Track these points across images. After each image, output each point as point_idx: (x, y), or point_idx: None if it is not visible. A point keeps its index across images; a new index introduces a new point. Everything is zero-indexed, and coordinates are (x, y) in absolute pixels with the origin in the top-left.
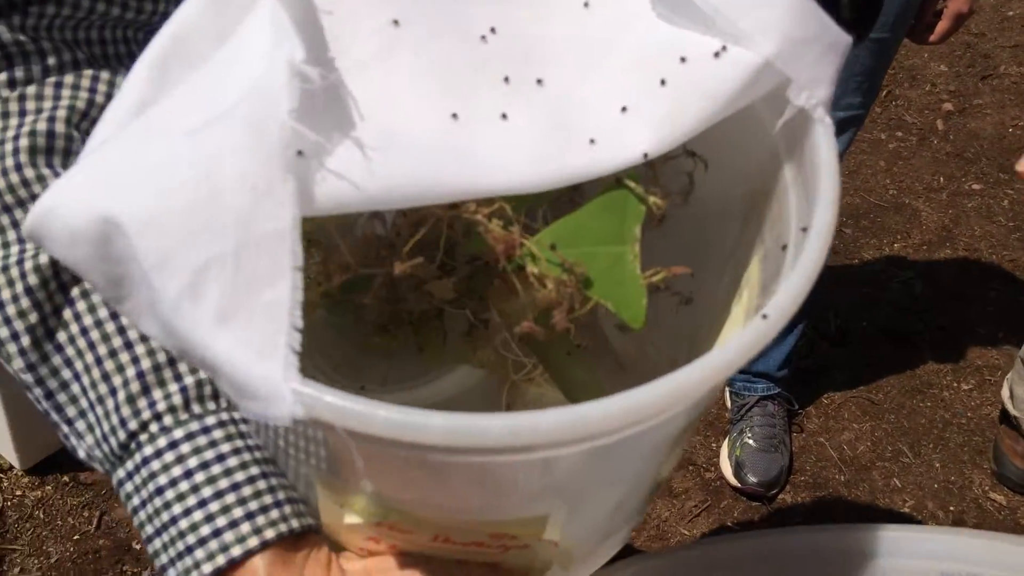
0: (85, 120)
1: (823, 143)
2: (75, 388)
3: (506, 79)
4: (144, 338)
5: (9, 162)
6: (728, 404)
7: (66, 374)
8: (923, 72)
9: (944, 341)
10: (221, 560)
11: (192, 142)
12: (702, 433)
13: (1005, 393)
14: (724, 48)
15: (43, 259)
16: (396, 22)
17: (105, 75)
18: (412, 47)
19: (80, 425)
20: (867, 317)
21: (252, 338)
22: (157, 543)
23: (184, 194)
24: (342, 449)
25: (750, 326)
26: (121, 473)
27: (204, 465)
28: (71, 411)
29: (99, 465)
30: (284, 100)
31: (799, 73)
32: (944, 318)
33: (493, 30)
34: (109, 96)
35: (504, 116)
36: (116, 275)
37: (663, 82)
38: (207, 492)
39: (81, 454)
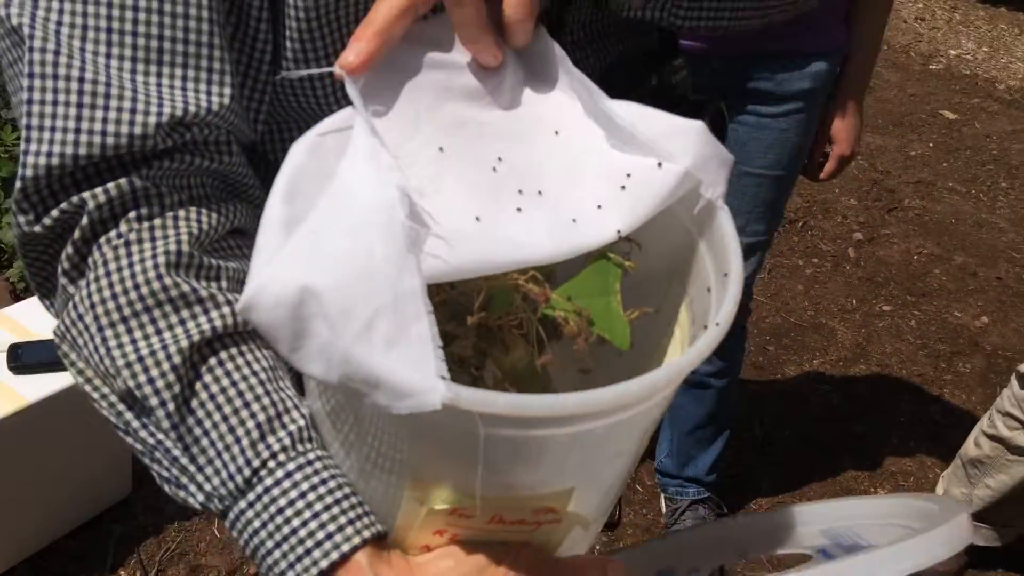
0: (198, 243)
1: (726, 220)
2: (205, 441)
3: (520, 191)
4: (257, 398)
5: (151, 274)
6: (663, 508)
7: (198, 431)
8: (835, 205)
9: (861, 449)
10: (335, 555)
11: (351, 238)
12: (639, 537)
13: (940, 491)
14: (660, 164)
15: (183, 343)
16: (441, 149)
17: (204, 210)
18: (454, 173)
19: (208, 470)
20: (789, 427)
21: (411, 357)
22: (277, 553)
23: (354, 269)
24: (462, 434)
25: (708, 333)
26: (242, 504)
27: (313, 487)
28: (202, 460)
29: (218, 503)
30: (400, 210)
31: (707, 177)
32: (860, 428)
33: (500, 159)
34: (211, 223)
35: (519, 210)
36: (299, 330)
37: (623, 188)
38: (318, 507)
39: (200, 498)
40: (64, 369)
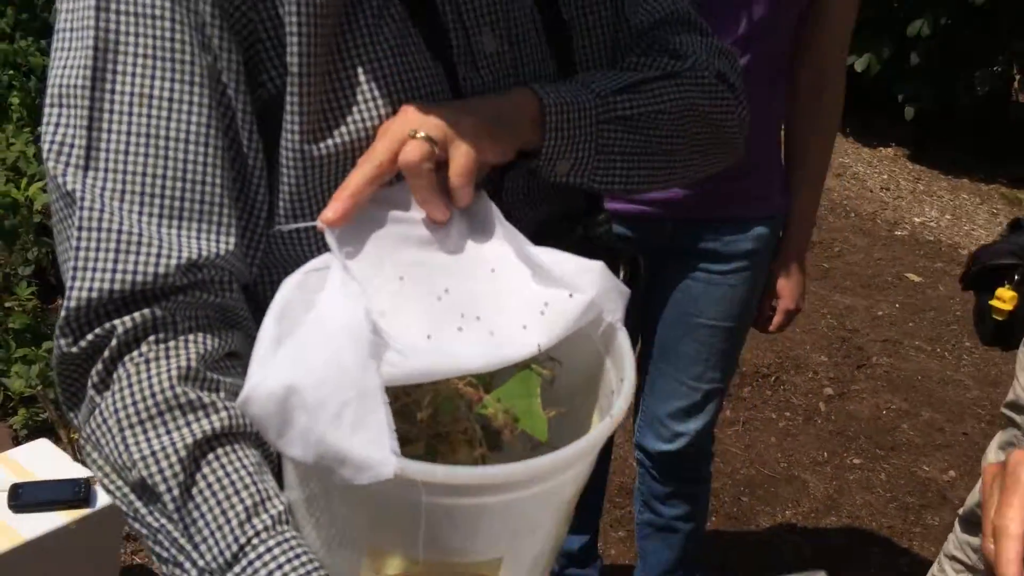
0: (203, 362)
1: (624, 338)
2: (201, 522)
3: (462, 315)
4: (246, 487)
5: (165, 385)
6: None
7: (196, 514)
8: (806, 361)
9: None
10: None
11: (326, 348)
12: None
13: None
14: (571, 295)
15: (188, 441)
16: (401, 278)
17: (208, 336)
18: (410, 301)
19: (203, 547)
20: None
21: (370, 438)
22: None
23: (328, 372)
24: (409, 504)
25: (603, 423)
26: (230, 574)
27: (289, 560)
28: (197, 538)
29: None
30: (365, 328)
31: (607, 305)
32: None
33: (447, 291)
34: (214, 346)
35: (460, 330)
36: (285, 419)
37: (542, 313)
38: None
39: (193, 573)
40: (61, 508)
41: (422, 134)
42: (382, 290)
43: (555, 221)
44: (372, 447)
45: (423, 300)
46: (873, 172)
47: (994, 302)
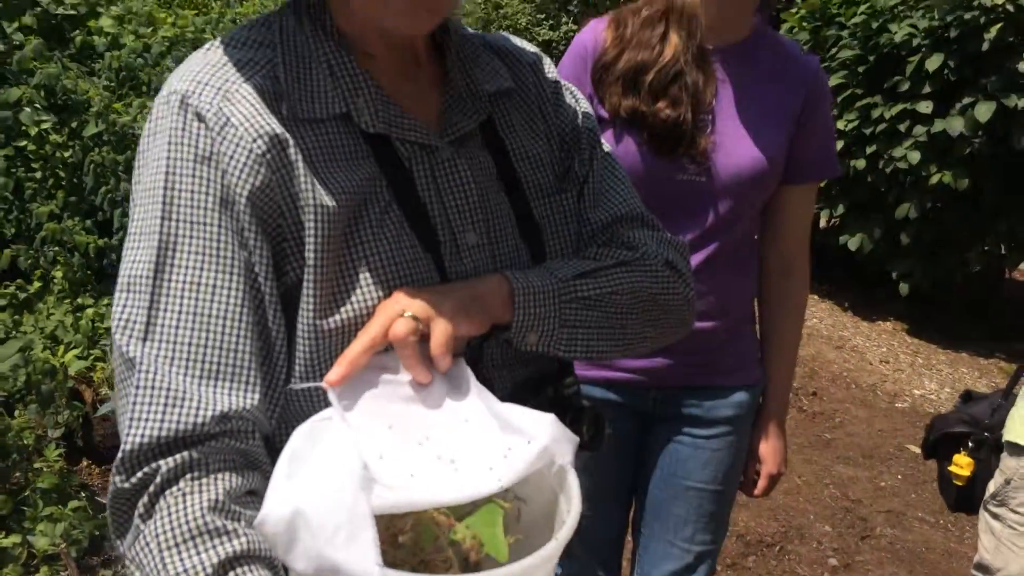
0: (228, 496)
1: (572, 477)
2: None
3: (438, 457)
4: None
5: (197, 514)
6: None
7: None
8: (810, 531)
9: None
10: None
11: (326, 482)
12: None
13: None
14: (529, 441)
15: (215, 560)
16: (390, 427)
17: (234, 475)
18: (398, 444)
19: None
20: None
21: (359, 553)
22: None
23: (327, 500)
24: None
25: (548, 544)
26: None
27: None
28: None
29: None
30: (359, 466)
31: (559, 450)
32: None
33: (428, 438)
34: (237, 484)
35: (438, 470)
36: (292, 537)
37: (505, 456)
38: None
39: None
40: None
41: (409, 313)
42: (374, 436)
43: (529, 383)
44: (361, 560)
45: (408, 445)
46: (872, 345)
47: (953, 468)
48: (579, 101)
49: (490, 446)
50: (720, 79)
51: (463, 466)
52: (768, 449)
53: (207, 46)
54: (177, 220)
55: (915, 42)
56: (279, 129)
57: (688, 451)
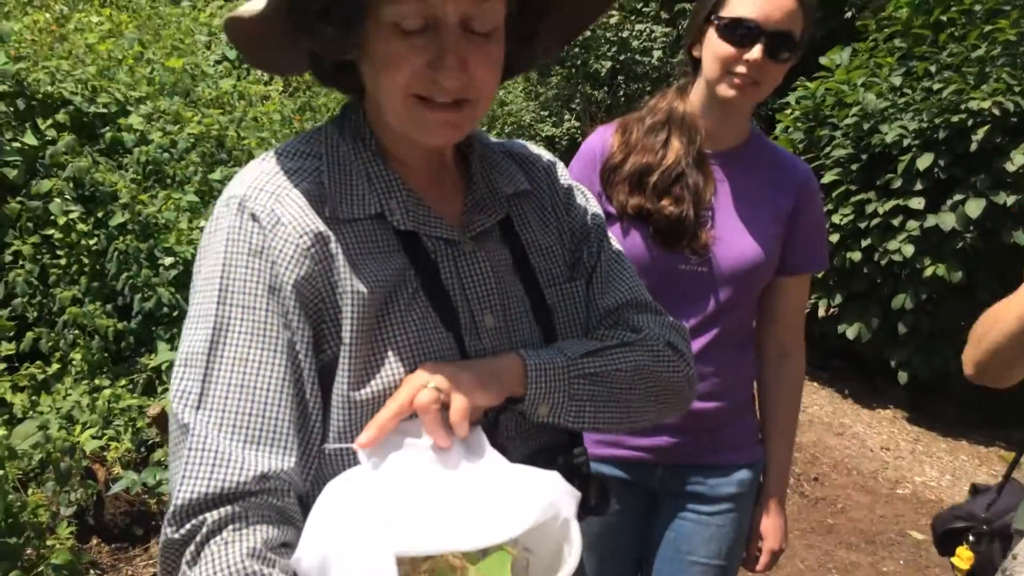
0: (266, 545)
1: (575, 527)
2: None
3: (456, 510)
4: None
5: (238, 559)
6: None
7: None
8: None
9: None
10: None
11: (359, 528)
12: None
13: None
14: (536, 497)
15: None
16: (413, 484)
17: (271, 527)
18: (419, 500)
19: None
20: None
21: None
22: None
23: (356, 543)
24: None
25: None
26: None
27: None
28: None
29: None
30: (385, 515)
31: (563, 503)
32: None
33: (447, 495)
34: (273, 536)
35: (458, 520)
36: (322, 574)
37: (516, 509)
38: None
39: None
40: None
41: (432, 385)
42: (399, 487)
43: (542, 453)
44: None
45: (429, 495)
46: (873, 432)
47: (954, 560)
48: (589, 200)
49: (502, 500)
50: (719, 180)
51: (478, 516)
52: (769, 525)
53: (263, 156)
54: (231, 304)
55: (905, 142)
56: (322, 227)
57: (692, 527)
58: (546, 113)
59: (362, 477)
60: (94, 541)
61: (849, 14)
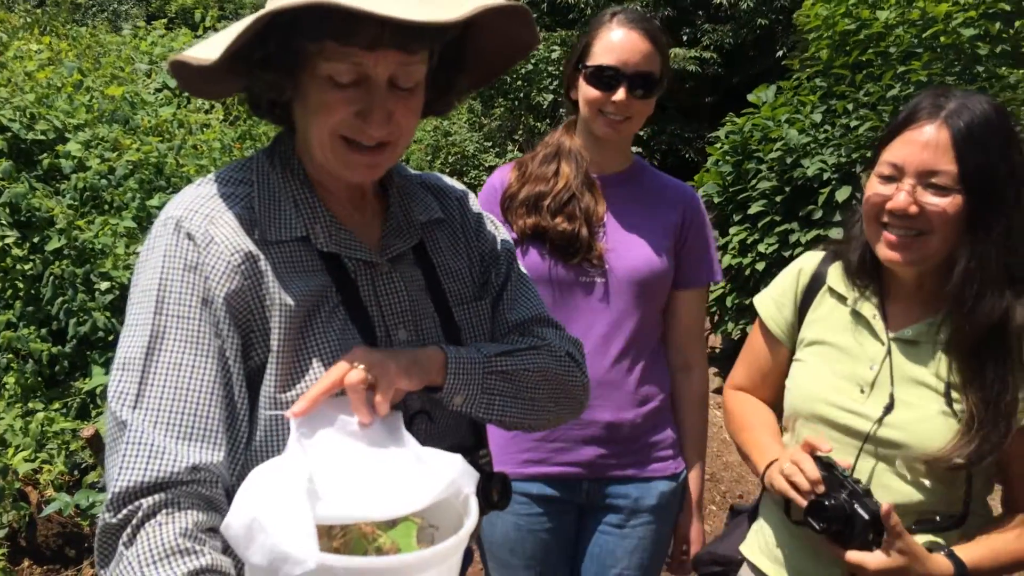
0: (195, 526)
1: (473, 503)
2: None
3: (373, 482)
4: None
5: (171, 538)
6: None
7: None
8: None
9: None
10: None
11: (284, 492)
12: None
13: None
14: (441, 474)
15: (186, 571)
16: (337, 454)
17: (199, 513)
18: (341, 467)
19: None
20: None
21: (304, 544)
22: None
23: (281, 506)
24: None
25: (449, 539)
26: None
27: None
28: None
29: None
30: (305, 480)
31: (464, 482)
32: None
33: (364, 465)
34: (202, 519)
35: (370, 490)
36: (250, 538)
37: (420, 485)
38: None
39: None
40: None
41: (361, 367)
42: (323, 461)
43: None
44: (303, 549)
45: (349, 469)
46: None
47: None
48: (498, 228)
49: (411, 476)
50: (609, 200)
51: (389, 490)
52: (694, 532)
53: (199, 181)
54: (167, 315)
55: (825, 176)
56: (252, 247)
57: (615, 540)
58: (489, 144)
59: (289, 454)
60: (26, 563)
61: (780, 53)
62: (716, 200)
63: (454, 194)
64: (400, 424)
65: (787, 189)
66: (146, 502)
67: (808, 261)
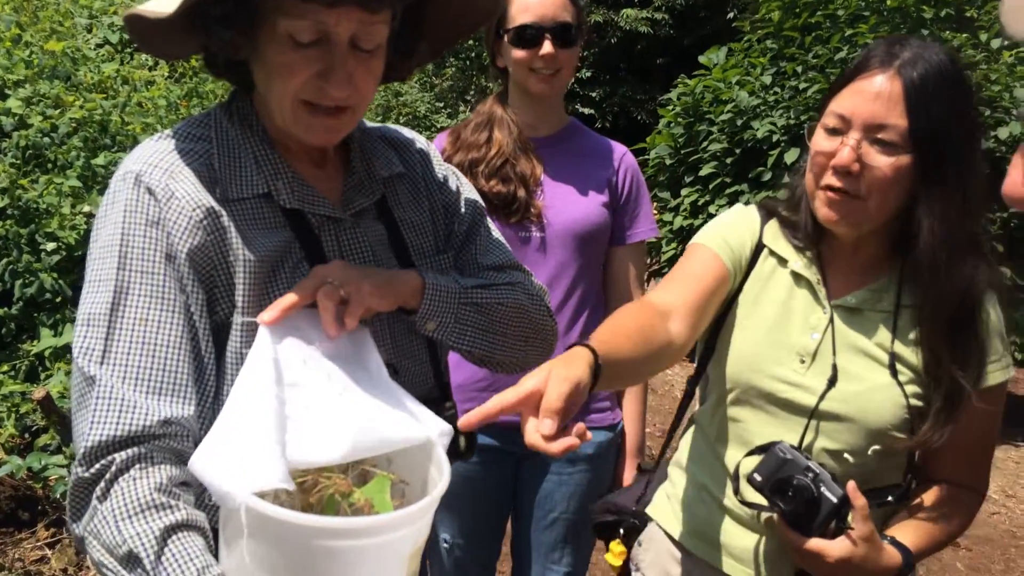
0: (169, 481)
1: (441, 452)
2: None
3: (341, 392)
4: (195, 558)
5: (145, 492)
6: None
7: (163, 572)
8: None
9: None
10: None
11: (245, 415)
12: None
13: None
14: (408, 417)
15: (160, 525)
16: (304, 361)
17: (172, 467)
18: (309, 374)
19: None
20: None
21: (262, 475)
22: None
23: (240, 438)
24: (298, 550)
25: (423, 500)
26: None
27: None
28: None
29: None
30: (275, 393)
31: (434, 435)
32: None
33: (329, 375)
34: (174, 473)
35: (340, 395)
36: (212, 475)
37: (390, 423)
38: None
39: None
40: None
41: (335, 282)
42: (291, 366)
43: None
44: (262, 477)
45: (316, 376)
46: None
47: (608, 556)
48: (461, 180)
49: (379, 417)
50: (547, 160)
51: (358, 431)
52: (629, 480)
53: (156, 136)
54: (130, 270)
55: (775, 138)
56: (214, 204)
57: (553, 486)
58: (441, 104)
59: (255, 366)
60: None
61: (731, 15)
62: (668, 162)
63: (415, 148)
64: (368, 340)
65: (737, 151)
66: (119, 456)
67: (752, 215)
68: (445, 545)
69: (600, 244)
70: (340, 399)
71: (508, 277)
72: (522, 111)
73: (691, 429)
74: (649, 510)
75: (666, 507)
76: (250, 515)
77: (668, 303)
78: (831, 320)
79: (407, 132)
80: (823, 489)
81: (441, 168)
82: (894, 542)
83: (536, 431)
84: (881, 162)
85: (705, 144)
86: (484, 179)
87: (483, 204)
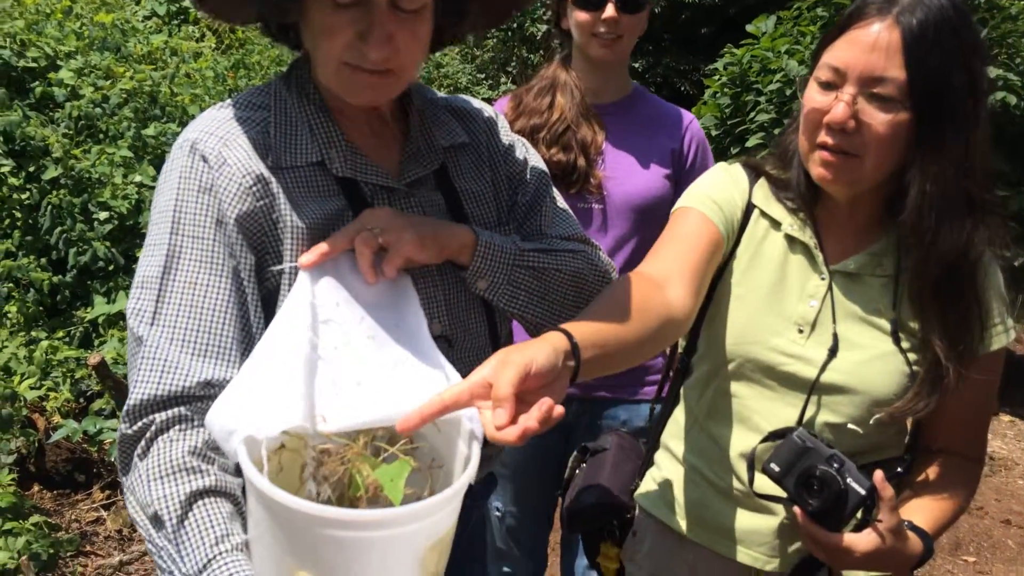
0: (204, 444)
1: (476, 446)
2: (187, 542)
3: (373, 337)
4: (219, 523)
5: (180, 455)
6: None
7: (184, 536)
8: None
9: None
10: None
11: (273, 358)
12: None
13: None
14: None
15: (187, 490)
16: (337, 304)
17: (203, 432)
18: (344, 315)
19: (187, 559)
20: None
21: (294, 412)
22: None
23: (264, 381)
24: (312, 536)
25: (449, 489)
26: None
27: (238, 572)
28: (184, 551)
29: None
30: (308, 337)
31: (469, 415)
32: None
33: (362, 319)
34: (213, 440)
35: (372, 338)
36: (223, 438)
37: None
38: None
39: None
40: None
41: (376, 230)
42: (326, 305)
43: None
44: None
45: (351, 317)
46: None
47: (601, 560)
48: (529, 151)
49: (414, 382)
50: (609, 128)
51: (394, 392)
52: None
53: (219, 104)
54: (182, 235)
55: None
56: (265, 171)
57: None
58: (482, 76)
59: (296, 287)
60: (36, 488)
61: None
62: (714, 133)
63: (482, 117)
64: (411, 292)
65: (785, 122)
66: (159, 416)
67: (740, 174)
68: (497, 513)
69: (661, 218)
70: (370, 342)
71: (572, 245)
72: (585, 76)
73: (674, 406)
74: (637, 496)
75: (655, 492)
76: (252, 489)
77: (663, 271)
78: (830, 287)
79: (476, 102)
80: (850, 480)
81: (508, 138)
82: (912, 527)
83: (491, 423)
84: (878, 119)
85: (752, 115)
86: (545, 147)
87: (548, 174)
